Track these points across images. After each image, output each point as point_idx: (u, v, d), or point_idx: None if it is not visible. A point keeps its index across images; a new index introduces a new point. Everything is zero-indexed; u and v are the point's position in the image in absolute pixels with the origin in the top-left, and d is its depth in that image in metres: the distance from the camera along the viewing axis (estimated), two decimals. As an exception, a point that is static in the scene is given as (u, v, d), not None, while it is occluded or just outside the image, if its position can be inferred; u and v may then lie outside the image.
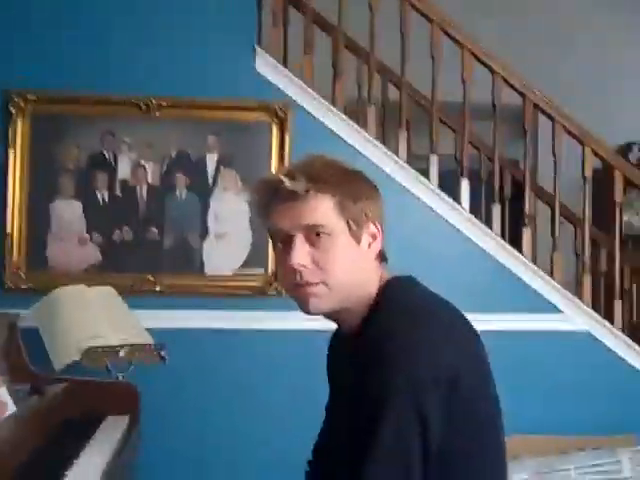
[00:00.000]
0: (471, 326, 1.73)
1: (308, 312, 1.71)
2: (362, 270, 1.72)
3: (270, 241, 1.80)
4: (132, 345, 3.26)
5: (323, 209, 1.67)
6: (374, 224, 1.73)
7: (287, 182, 1.66)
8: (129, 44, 4.15)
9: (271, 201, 1.71)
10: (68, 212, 4.11)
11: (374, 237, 1.73)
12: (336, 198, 1.67)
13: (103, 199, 4.16)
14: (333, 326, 1.87)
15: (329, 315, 1.76)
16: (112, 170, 4.17)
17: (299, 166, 1.71)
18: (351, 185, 1.71)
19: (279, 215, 1.69)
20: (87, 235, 4.12)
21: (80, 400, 3.00)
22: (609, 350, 4.35)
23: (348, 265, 1.69)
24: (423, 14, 4.45)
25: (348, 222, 1.68)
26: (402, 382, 1.52)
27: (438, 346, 1.58)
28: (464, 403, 1.58)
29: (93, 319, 3.28)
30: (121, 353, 3.22)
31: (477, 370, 1.67)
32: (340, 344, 1.88)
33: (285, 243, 1.70)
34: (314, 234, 1.67)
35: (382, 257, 1.78)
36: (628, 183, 4.64)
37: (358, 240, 1.70)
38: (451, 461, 1.58)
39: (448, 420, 1.56)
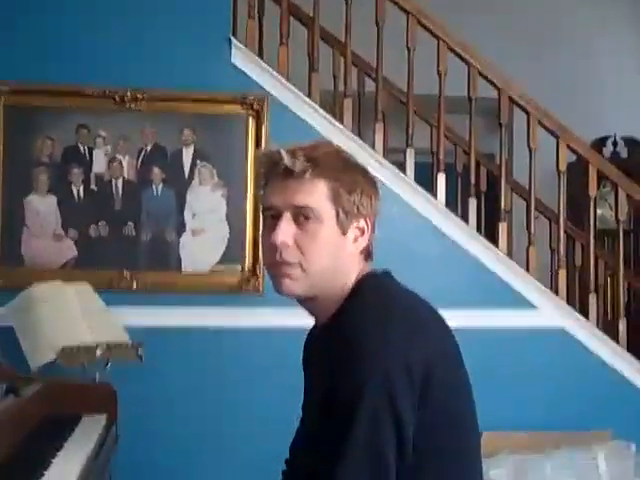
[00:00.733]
0: (444, 323, 1.73)
1: (281, 292, 1.71)
2: (342, 261, 1.71)
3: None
4: (109, 344, 3.24)
5: (317, 193, 1.67)
6: (365, 220, 1.72)
7: (286, 158, 1.66)
8: (104, 35, 4.10)
9: (270, 175, 1.71)
10: (43, 207, 4.06)
11: (362, 232, 1.72)
12: (331, 185, 1.67)
13: (78, 194, 4.12)
14: (311, 323, 1.87)
15: (303, 302, 1.76)
16: (87, 164, 4.13)
17: (303, 147, 1.71)
18: (349, 176, 1.70)
19: (274, 191, 1.70)
20: (62, 231, 4.08)
21: (57, 400, 2.98)
22: (584, 346, 4.38)
23: (329, 253, 1.69)
24: (399, 5, 4.44)
25: (338, 211, 1.68)
26: (375, 380, 1.51)
27: (412, 344, 1.57)
28: (438, 400, 1.58)
29: (69, 317, 3.26)
30: (98, 352, 3.20)
31: (451, 367, 1.67)
32: (316, 338, 1.87)
33: (274, 219, 1.69)
34: (303, 216, 1.67)
35: (367, 254, 1.77)
36: (602, 177, 4.67)
37: (344, 231, 1.69)
38: (426, 459, 1.58)
39: (422, 418, 1.55)
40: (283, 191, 1.68)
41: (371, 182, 1.76)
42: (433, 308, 1.74)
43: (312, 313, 1.81)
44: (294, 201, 1.67)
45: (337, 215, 1.68)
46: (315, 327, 1.87)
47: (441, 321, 1.73)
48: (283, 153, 1.66)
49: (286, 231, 1.66)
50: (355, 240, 1.72)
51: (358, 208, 1.70)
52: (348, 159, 1.75)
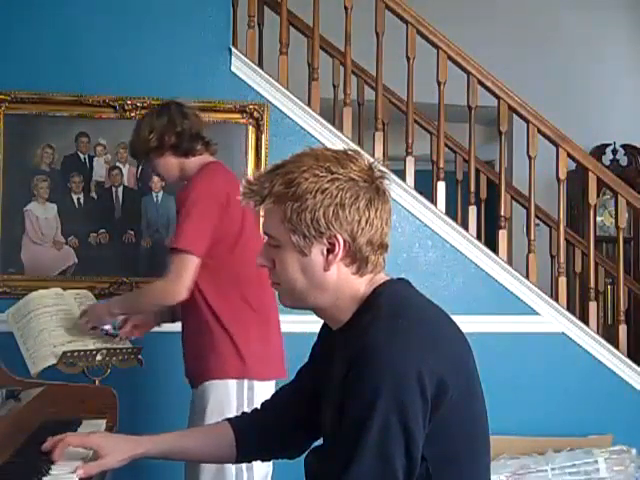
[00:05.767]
0: (459, 329, 1.74)
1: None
2: (324, 279, 1.70)
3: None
4: (109, 349, 3.23)
5: (272, 220, 1.69)
6: (334, 236, 1.66)
7: (241, 191, 1.72)
8: (103, 44, 4.12)
9: None
10: (43, 215, 4.07)
11: (332, 247, 1.67)
12: (282, 208, 1.66)
13: (78, 201, 4.12)
14: (314, 330, 1.87)
15: (312, 310, 1.77)
16: (87, 172, 4.13)
17: (261, 174, 1.73)
18: (300, 197, 1.65)
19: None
20: (63, 238, 4.09)
21: (56, 404, 2.97)
22: (584, 351, 4.39)
23: (297, 275, 1.70)
24: (398, 15, 4.45)
25: (290, 234, 1.67)
26: (388, 394, 1.52)
27: (425, 357, 1.57)
28: (451, 412, 1.59)
29: (70, 323, 3.25)
30: (98, 357, 3.19)
31: (464, 374, 1.67)
32: (330, 336, 1.85)
33: None
34: (272, 241, 1.72)
35: (359, 265, 1.70)
36: (602, 185, 4.67)
37: (304, 253, 1.68)
38: (437, 466, 1.59)
39: (435, 428, 1.57)
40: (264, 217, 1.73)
41: (342, 196, 1.65)
42: (448, 316, 1.75)
43: (324, 320, 1.83)
44: (263, 228, 1.73)
45: (292, 240, 1.67)
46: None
47: (455, 328, 1.74)
48: (241, 189, 1.71)
49: (264, 255, 1.74)
50: (326, 258, 1.68)
51: (315, 227, 1.66)
52: (308, 177, 1.65)
